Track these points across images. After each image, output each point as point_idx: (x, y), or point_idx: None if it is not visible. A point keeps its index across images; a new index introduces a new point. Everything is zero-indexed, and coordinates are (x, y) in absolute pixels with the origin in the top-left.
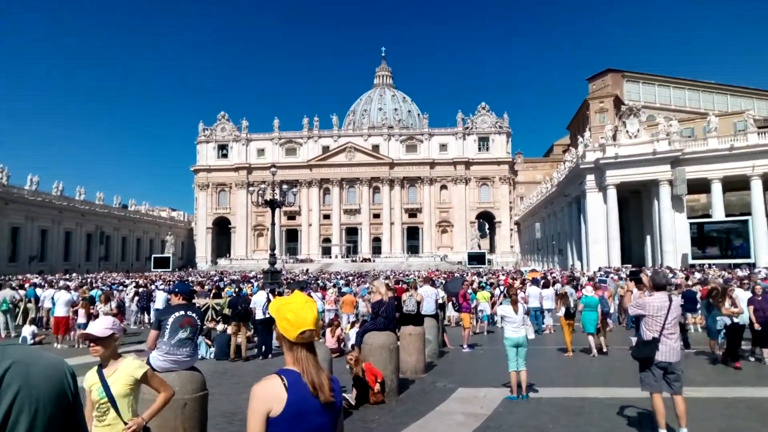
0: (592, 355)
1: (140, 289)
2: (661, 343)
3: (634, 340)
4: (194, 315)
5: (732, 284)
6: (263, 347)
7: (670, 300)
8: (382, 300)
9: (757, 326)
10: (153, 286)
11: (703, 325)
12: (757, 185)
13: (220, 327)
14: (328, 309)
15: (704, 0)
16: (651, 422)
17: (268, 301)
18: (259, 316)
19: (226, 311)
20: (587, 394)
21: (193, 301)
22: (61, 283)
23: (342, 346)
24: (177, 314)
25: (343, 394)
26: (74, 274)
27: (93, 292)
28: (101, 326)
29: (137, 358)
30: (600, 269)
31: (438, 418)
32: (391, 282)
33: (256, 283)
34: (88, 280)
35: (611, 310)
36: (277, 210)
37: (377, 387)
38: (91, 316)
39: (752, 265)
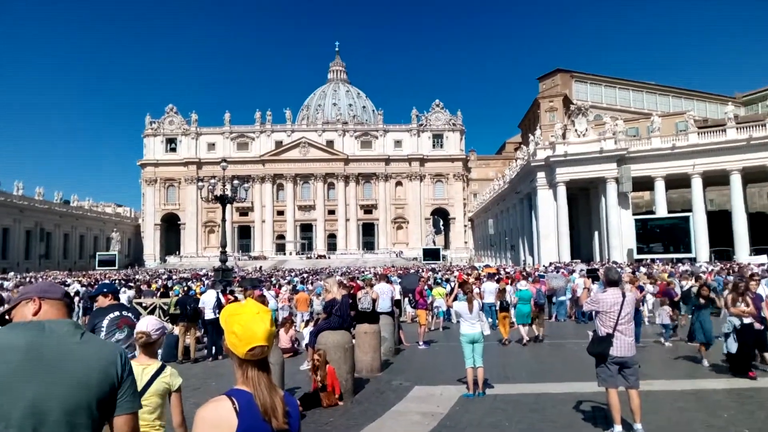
0: (524, 343)
1: (83, 289)
2: (615, 339)
3: (591, 334)
4: (131, 315)
5: (757, 277)
6: (213, 348)
7: (623, 295)
8: (335, 298)
9: None
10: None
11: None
12: (697, 183)
13: (168, 327)
14: (281, 307)
15: (650, 4)
16: (606, 417)
17: (218, 300)
18: (208, 315)
19: (173, 311)
20: (543, 389)
21: (139, 300)
22: None
23: (296, 345)
24: (112, 315)
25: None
26: (11, 273)
27: None
28: (153, 327)
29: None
30: (551, 264)
31: (394, 418)
32: (346, 279)
33: (205, 282)
34: (27, 279)
35: (566, 303)
36: (229, 206)
37: (330, 388)
38: None
39: (693, 260)
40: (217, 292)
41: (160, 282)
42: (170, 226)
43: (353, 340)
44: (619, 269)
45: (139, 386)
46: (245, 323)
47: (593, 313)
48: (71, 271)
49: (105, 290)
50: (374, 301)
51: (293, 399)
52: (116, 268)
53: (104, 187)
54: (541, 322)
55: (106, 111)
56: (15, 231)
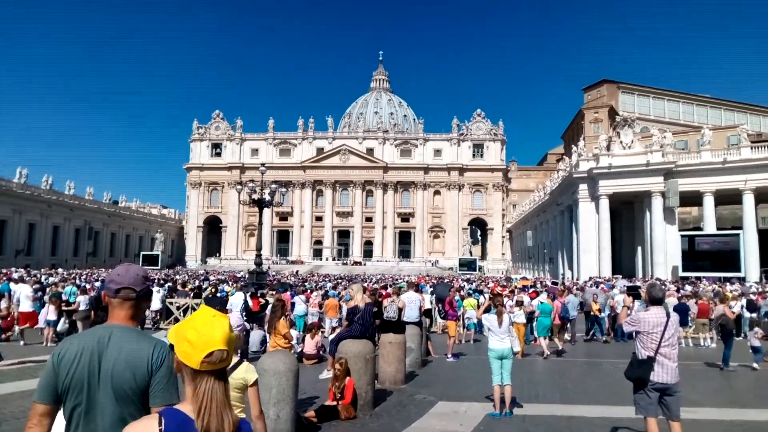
0: (545, 356)
1: None
2: (656, 363)
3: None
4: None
5: None
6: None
7: (668, 315)
8: (358, 306)
9: None
10: None
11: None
12: (749, 199)
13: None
14: (311, 313)
15: (702, 14)
16: None
17: (245, 302)
18: (235, 319)
19: None
20: (575, 411)
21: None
22: (15, 275)
23: (322, 352)
24: None
25: (304, 414)
26: (60, 269)
27: (68, 288)
28: (233, 324)
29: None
30: (590, 278)
31: None
32: (375, 286)
33: (232, 284)
34: (72, 275)
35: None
36: (269, 210)
37: (348, 401)
38: (62, 313)
39: (742, 279)
40: (245, 295)
41: (197, 282)
42: (212, 228)
43: (376, 350)
44: (662, 287)
45: None
46: (200, 327)
47: (633, 333)
48: None
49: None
50: (401, 310)
51: (246, 422)
52: (159, 267)
53: (151, 189)
54: (562, 336)
55: (157, 116)
56: (65, 229)
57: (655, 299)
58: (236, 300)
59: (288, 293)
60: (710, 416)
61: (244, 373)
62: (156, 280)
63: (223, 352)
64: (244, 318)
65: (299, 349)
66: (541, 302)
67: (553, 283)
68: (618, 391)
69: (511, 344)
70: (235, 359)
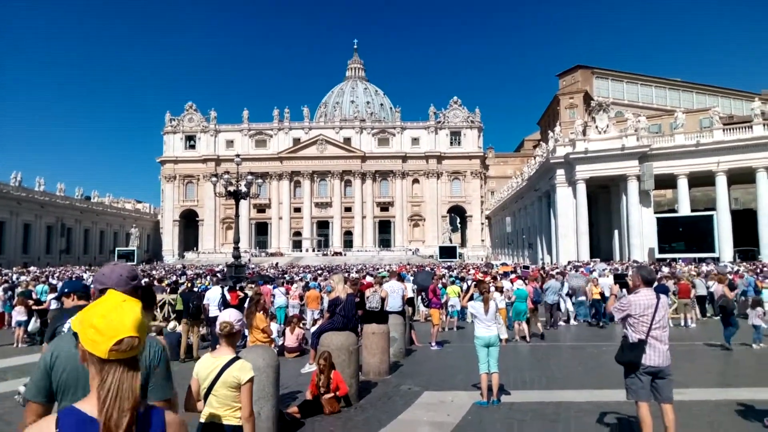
0: (515, 340)
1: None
2: (648, 346)
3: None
4: None
5: None
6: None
7: (658, 297)
8: (339, 297)
9: None
10: None
11: (677, 319)
12: (721, 181)
13: (171, 325)
14: (292, 305)
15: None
16: (634, 430)
17: (223, 296)
18: (213, 312)
19: (180, 307)
20: (563, 397)
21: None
22: None
23: (304, 344)
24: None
25: (287, 410)
26: (32, 267)
27: (39, 287)
28: (235, 318)
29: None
30: (569, 263)
31: (401, 428)
32: (356, 275)
33: (209, 278)
34: (45, 273)
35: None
36: (247, 203)
37: (333, 394)
38: (32, 312)
39: (716, 260)
40: (222, 289)
41: (173, 277)
42: (189, 222)
43: (360, 342)
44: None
45: (210, 379)
46: (107, 314)
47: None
48: (91, 266)
49: (67, 290)
50: (383, 299)
51: (159, 414)
52: (135, 263)
53: (124, 184)
54: (536, 320)
55: (127, 108)
56: (36, 226)
57: (648, 281)
58: (213, 294)
59: (268, 286)
60: (699, 396)
61: (238, 371)
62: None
63: (134, 339)
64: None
65: (280, 343)
66: (518, 288)
67: (524, 267)
68: (604, 374)
69: (498, 331)
70: (229, 356)
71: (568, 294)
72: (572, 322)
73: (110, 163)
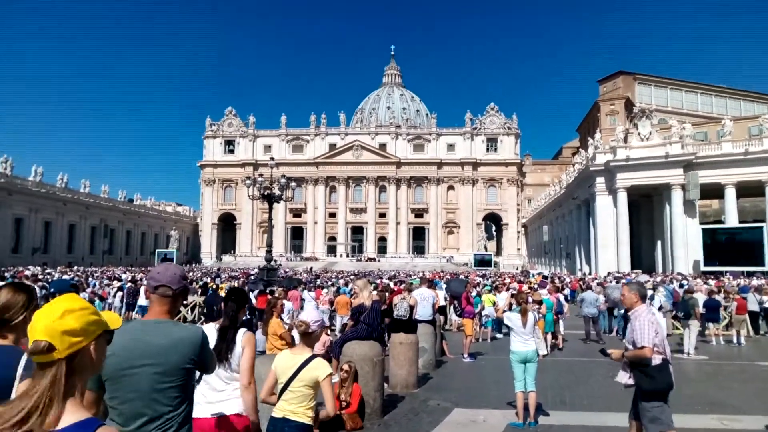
0: (558, 348)
1: (128, 285)
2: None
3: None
4: None
5: None
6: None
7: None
8: (364, 304)
9: None
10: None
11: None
12: None
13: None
14: (322, 310)
15: (718, 4)
16: None
17: (249, 301)
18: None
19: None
20: (606, 420)
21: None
22: (27, 273)
23: (331, 353)
24: None
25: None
26: (75, 267)
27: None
28: (312, 318)
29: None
30: (609, 274)
31: None
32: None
33: (235, 281)
34: (87, 272)
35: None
36: (283, 207)
37: (354, 409)
38: None
39: (766, 273)
40: (248, 292)
41: (206, 280)
42: (227, 225)
43: (386, 351)
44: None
45: (288, 374)
46: (35, 316)
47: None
48: (131, 266)
49: (53, 290)
50: (412, 308)
51: (89, 422)
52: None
53: (166, 187)
54: (557, 331)
55: (169, 114)
56: (81, 227)
57: (644, 296)
58: None
59: (297, 290)
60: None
61: (314, 369)
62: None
63: (39, 343)
64: (248, 316)
65: None
66: (543, 298)
67: (543, 278)
68: None
69: (536, 346)
70: (307, 354)
71: (609, 307)
72: (613, 335)
73: (153, 167)
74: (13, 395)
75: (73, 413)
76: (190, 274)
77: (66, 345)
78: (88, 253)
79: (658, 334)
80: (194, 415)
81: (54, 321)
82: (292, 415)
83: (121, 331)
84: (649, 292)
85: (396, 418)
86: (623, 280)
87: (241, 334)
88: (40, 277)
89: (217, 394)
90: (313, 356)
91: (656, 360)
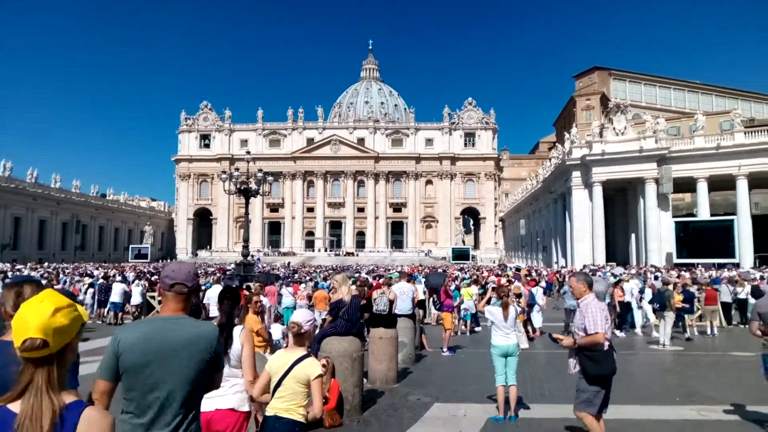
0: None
1: (99, 281)
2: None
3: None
4: None
5: None
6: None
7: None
8: (342, 299)
9: None
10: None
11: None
12: (742, 185)
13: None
14: (300, 305)
15: (691, 1)
16: None
17: None
18: (213, 312)
19: None
20: None
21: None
22: None
23: (310, 348)
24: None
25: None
26: (46, 263)
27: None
28: (304, 318)
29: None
30: (584, 266)
31: None
32: (366, 276)
33: (210, 277)
34: (58, 269)
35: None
36: (260, 202)
37: (333, 406)
38: None
39: (736, 265)
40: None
41: None
42: (203, 220)
43: (365, 346)
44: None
45: (281, 372)
46: (20, 313)
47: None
48: (105, 262)
49: (11, 285)
50: (391, 302)
51: (74, 412)
52: (149, 260)
53: (139, 182)
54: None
55: (143, 107)
56: (52, 222)
57: (591, 285)
58: (213, 293)
59: (274, 285)
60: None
61: (308, 367)
62: (137, 274)
63: (35, 341)
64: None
65: (284, 345)
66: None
67: (516, 269)
68: (629, 387)
69: (518, 340)
70: (300, 353)
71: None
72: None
73: (126, 162)
74: None
75: (66, 393)
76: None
77: (58, 341)
78: (59, 249)
79: (607, 321)
80: None
81: (48, 319)
82: (283, 412)
83: (143, 326)
84: (629, 285)
85: (376, 413)
86: (599, 273)
87: (239, 331)
88: (9, 274)
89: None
90: (307, 355)
91: (605, 345)
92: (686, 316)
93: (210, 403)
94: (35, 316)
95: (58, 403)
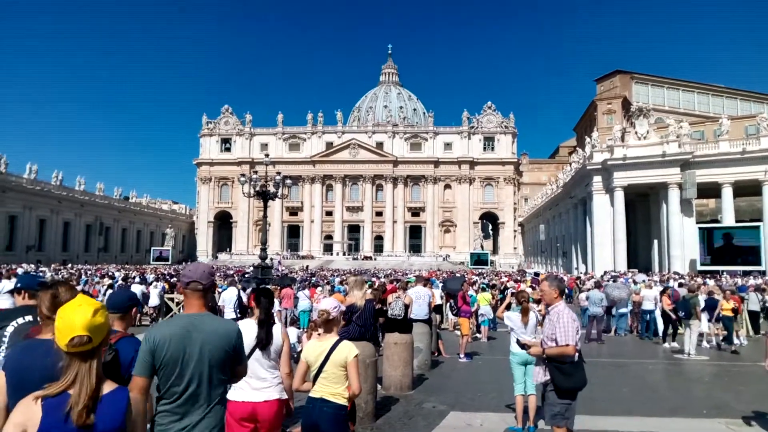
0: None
1: (119, 283)
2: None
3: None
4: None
5: None
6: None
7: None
8: (355, 303)
9: None
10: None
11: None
12: None
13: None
14: (317, 309)
15: (715, 4)
16: None
17: (239, 298)
18: (228, 315)
19: None
20: (610, 425)
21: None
22: (19, 271)
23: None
24: (20, 321)
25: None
26: (69, 264)
27: None
28: (332, 306)
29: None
30: (605, 273)
31: None
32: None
33: (226, 280)
34: (81, 270)
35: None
36: (279, 206)
37: None
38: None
39: (763, 273)
40: (239, 290)
41: None
42: (223, 223)
43: (379, 353)
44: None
45: (321, 360)
46: (64, 315)
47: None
48: (126, 264)
49: (19, 286)
50: (407, 306)
51: (121, 394)
52: (170, 262)
53: (162, 185)
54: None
55: (166, 112)
56: (76, 224)
57: (563, 292)
58: (228, 296)
59: (291, 288)
60: None
61: (345, 350)
62: (156, 276)
63: (83, 338)
64: (238, 314)
65: (299, 349)
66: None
67: (535, 274)
68: (653, 398)
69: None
70: (333, 339)
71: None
72: (612, 335)
73: (149, 165)
74: None
75: (107, 384)
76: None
77: (98, 337)
78: (83, 250)
79: (578, 333)
80: (242, 399)
81: (90, 319)
82: (329, 396)
83: (172, 324)
84: (648, 291)
85: (389, 421)
86: (621, 280)
87: (279, 328)
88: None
89: (260, 381)
90: (340, 340)
91: (575, 357)
92: (711, 324)
93: (258, 394)
94: (80, 317)
95: (101, 385)
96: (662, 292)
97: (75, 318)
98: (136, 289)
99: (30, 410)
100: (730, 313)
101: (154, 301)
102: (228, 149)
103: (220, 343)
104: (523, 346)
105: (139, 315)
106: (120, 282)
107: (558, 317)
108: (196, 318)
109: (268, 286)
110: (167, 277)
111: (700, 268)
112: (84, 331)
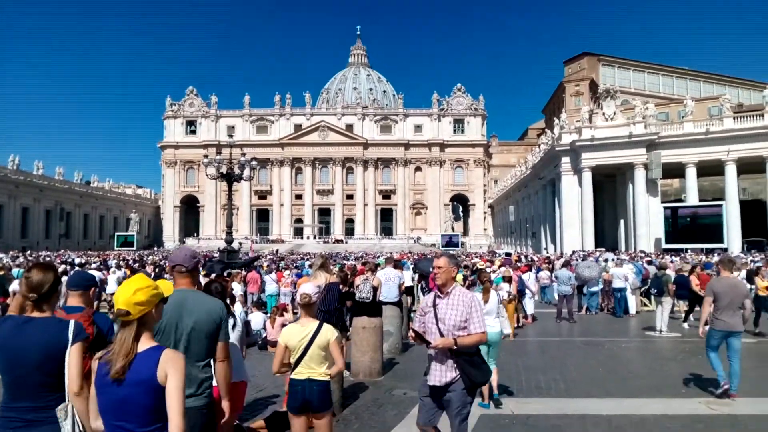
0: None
1: (75, 269)
2: None
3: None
4: None
5: None
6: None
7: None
8: (320, 286)
9: None
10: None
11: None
12: (731, 170)
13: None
14: (284, 293)
15: None
16: None
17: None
18: None
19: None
20: (588, 408)
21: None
22: None
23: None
24: None
25: (249, 425)
26: (28, 251)
27: (15, 271)
28: (312, 290)
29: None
30: (573, 252)
31: None
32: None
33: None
34: (41, 257)
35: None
36: (248, 189)
37: None
38: None
39: (725, 250)
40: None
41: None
42: (190, 208)
43: (346, 338)
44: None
45: (305, 343)
46: (117, 292)
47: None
48: (90, 250)
49: None
50: (375, 289)
51: (154, 353)
52: (135, 248)
53: (125, 169)
54: (520, 309)
55: (128, 93)
56: (35, 210)
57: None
58: None
59: (256, 272)
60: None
61: (327, 333)
62: (117, 263)
63: (121, 311)
64: None
65: (264, 335)
66: (500, 276)
67: (506, 254)
68: (628, 378)
69: (501, 327)
70: (315, 323)
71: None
72: (582, 313)
73: (110, 148)
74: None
75: (147, 343)
76: (150, 258)
77: (137, 311)
78: (43, 237)
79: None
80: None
81: (129, 296)
82: (316, 375)
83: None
84: (618, 269)
85: (357, 411)
86: (591, 258)
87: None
88: None
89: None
90: (321, 323)
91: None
92: (681, 301)
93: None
94: (123, 294)
95: (136, 347)
96: (690, 272)
97: (119, 295)
98: (94, 274)
99: (95, 363)
100: (766, 292)
101: (111, 288)
102: (193, 132)
103: (208, 317)
104: (419, 337)
105: (96, 303)
106: (77, 269)
107: (467, 299)
108: (187, 293)
109: (232, 271)
110: (130, 262)
111: (664, 246)
112: (123, 305)
